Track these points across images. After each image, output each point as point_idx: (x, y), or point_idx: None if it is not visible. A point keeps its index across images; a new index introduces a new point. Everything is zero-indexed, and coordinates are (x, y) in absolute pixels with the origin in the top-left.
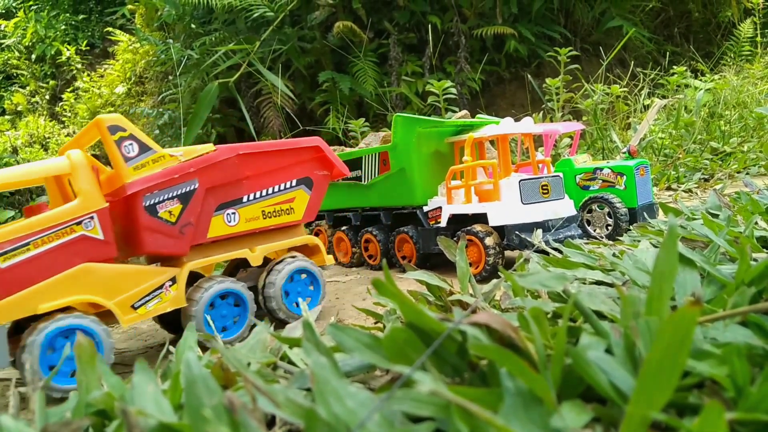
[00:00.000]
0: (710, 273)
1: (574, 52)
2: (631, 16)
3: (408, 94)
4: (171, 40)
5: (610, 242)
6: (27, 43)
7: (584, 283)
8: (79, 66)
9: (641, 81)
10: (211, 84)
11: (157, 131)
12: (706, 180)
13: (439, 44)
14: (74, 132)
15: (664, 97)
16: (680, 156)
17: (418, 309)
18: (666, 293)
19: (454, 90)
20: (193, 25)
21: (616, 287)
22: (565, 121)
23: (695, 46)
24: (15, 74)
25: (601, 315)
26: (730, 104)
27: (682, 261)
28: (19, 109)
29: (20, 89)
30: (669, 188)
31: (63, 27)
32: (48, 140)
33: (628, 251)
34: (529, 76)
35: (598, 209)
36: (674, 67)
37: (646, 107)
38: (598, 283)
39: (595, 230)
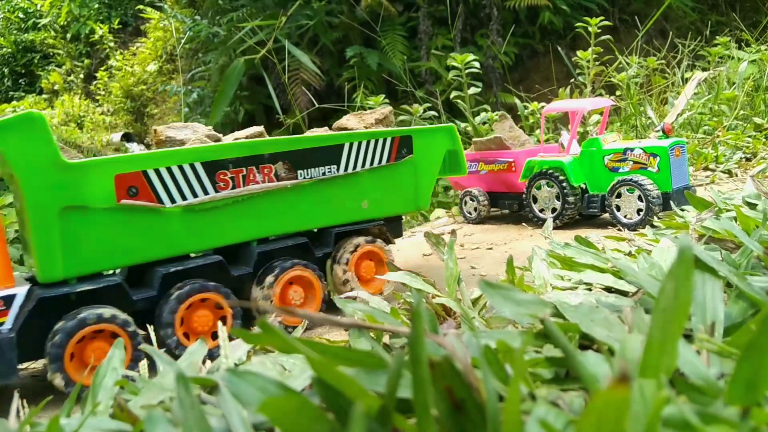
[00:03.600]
0: (738, 287)
1: (608, 23)
2: None
3: (438, 68)
4: (199, 17)
5: (631, 235)
6: (62, 23)
7: (590, 290)
8: (112, 44)
9: (680, 53)
10: (237, 61)
11: (186, 109)
12: (748, 159)
13: (469, 17)
14: (108, 110)
15: (704, 69)
16: (720, 133)
17: (332, 364)
18: (670, 343)
19: (477, 64)
20: (220, 2)
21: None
22: (596, 96)
23: (741, 16)
24: (51, 53)
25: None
26: None
27: (701, 268)
28: (55, 88)
29: (56, 68)
30: (706, 168)
31: (96, 5)
32: (83, 118)
33: (646, 249)
34: (560, 48)
35: (627, 193)
36: (717, 37)
37: (686, 81)
38: (609, 290)
39: (624, 216)
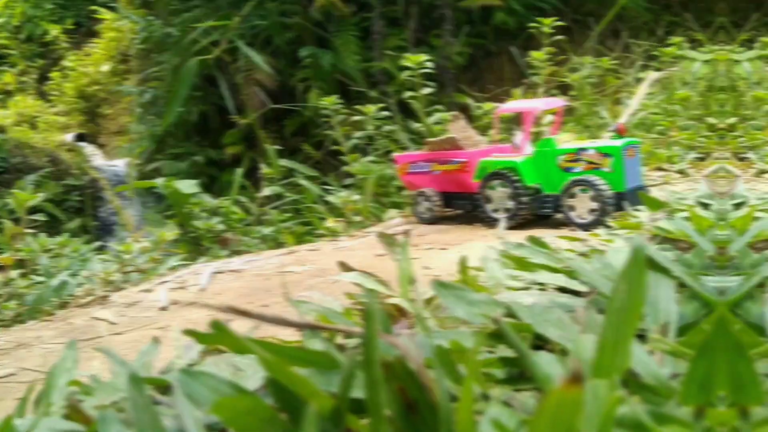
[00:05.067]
0: (691, 287)
1: (561, 23)
2: None
3: (391, 69)
4: (152, 17)
5: (584, 235)
6: (16, 23)
7: (543, 290)
8: (66, 45)
9: (634, 53)
10: (190, 61)
11: (140, 110)
12: (701, 159)
13: (423, 17)
14: (62, 111)
15: (658, 70)
16: (674, 133)
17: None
18: (623, 343)
19: (430, 64)
20: (173, 2)
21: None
22: (549, 96)
23: (694, 16)
24: (4, 54)
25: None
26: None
27: (655, 268)
28: (9, 88)
29: (10, 69)
30: (660, 168)
31: (50, 6)
32: (36, 119)
33: (600, 250)
34: (514, 48)
35: (581, 193)
36: (670, 38)
37: (639, 81)
38: (562, 290)
39: (578, 216)
